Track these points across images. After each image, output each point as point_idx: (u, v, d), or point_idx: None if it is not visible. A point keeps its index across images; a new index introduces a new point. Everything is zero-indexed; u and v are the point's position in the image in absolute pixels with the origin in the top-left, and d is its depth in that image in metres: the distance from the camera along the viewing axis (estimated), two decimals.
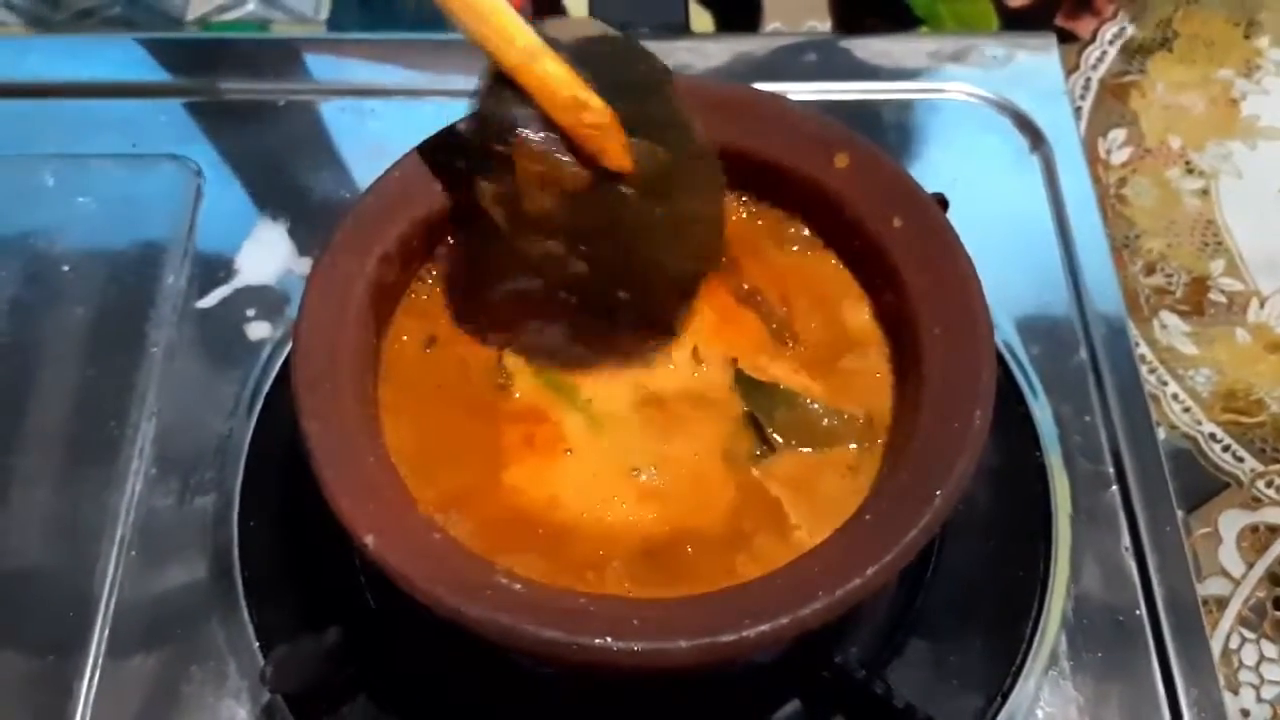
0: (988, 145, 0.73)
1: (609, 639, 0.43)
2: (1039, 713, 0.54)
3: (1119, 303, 0.65)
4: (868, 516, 0.48)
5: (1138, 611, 0.57)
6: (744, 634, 0.44)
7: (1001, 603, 0.57)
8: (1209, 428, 0.83)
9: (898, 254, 0.53)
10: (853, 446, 0.52)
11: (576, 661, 0.44)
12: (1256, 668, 0.74)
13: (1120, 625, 0.56)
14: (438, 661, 0.55)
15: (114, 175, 0.71)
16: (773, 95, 0.58)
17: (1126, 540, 0.59)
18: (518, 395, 0.54)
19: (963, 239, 0.52)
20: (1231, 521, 0.79)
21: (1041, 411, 0.63)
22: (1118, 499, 0.60)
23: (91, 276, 0.68)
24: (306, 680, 0.52)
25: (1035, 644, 0.56)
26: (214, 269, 0.68)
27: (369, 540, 0.46)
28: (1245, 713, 0.72)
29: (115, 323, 0.66)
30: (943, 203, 0.59)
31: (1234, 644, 0.75)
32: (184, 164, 0.72)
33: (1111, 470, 0.61)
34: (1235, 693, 0.73)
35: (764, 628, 0.44)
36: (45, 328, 0.66)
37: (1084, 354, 0.65)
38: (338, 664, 0.52)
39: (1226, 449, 0.82)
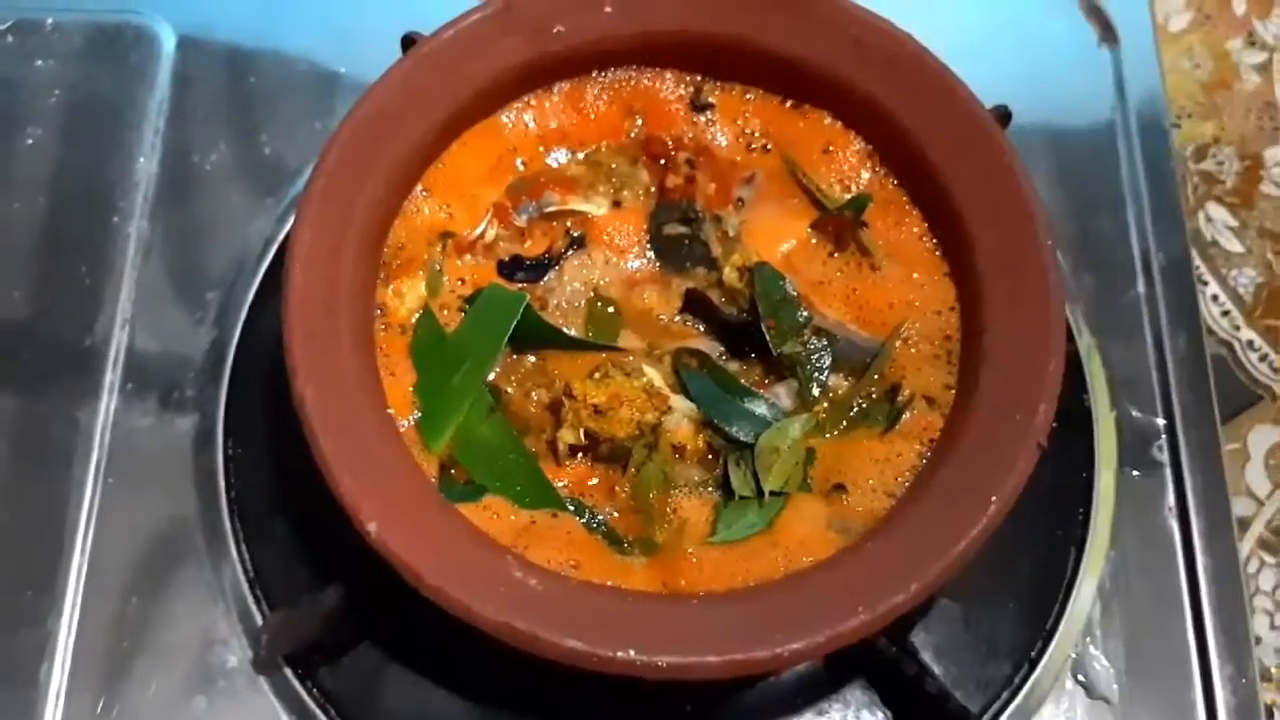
0: (1054, 35, 0.66)
1: (633, 652, 0.40)
2: (1066, 683, 0.52)
3: (1183, 232, 0.60)
4: (914, 513, 0.44)
5: (1178, 581, 0.54)
6: (777, 651, 0.40)
7: (1036, 565, 0.54)
8: (1248, 334, 0.79)
9: (965, 205, 0.48)
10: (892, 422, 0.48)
11: (598, 671, 0.41)
12: (1273, 593, 0.72)
13: (1158, 595, 0.54)
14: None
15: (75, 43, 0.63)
16: None
17: (1171, 500, 0.55)
18: None
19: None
20: (1261, 439, 0.76)
21: (1090, 349, 0.58)
22: (1165, 452, 0.56)
23: (52, 157, 0.61)
24: (306, 640, 0.49)
25: (1069, 610, 0.53)
26: (189, 150, 0.61)
27: (372, 529, 0.42)
28: (1258, 639, 0.71)
29: (79, 213, 0.60)
30: (1005, 117, 0.53)
31: (1252, 568, 0.73)
32: (150, 22, 0.64)
33: (1162, 421, 0.57)
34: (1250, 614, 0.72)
35: (797, 646, 0.41)
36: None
37: (1140, 288, 0.59)
38: (339, 623, 0.49)
39: (1264, 358, 0.79)
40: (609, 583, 0.43)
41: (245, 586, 0.53)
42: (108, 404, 0.56)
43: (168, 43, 0.63)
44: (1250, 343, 0.79)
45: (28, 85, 0.63)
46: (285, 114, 0.63)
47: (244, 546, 0.54)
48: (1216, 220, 0.83)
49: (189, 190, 0.61)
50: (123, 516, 0.54)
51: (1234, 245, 0.82)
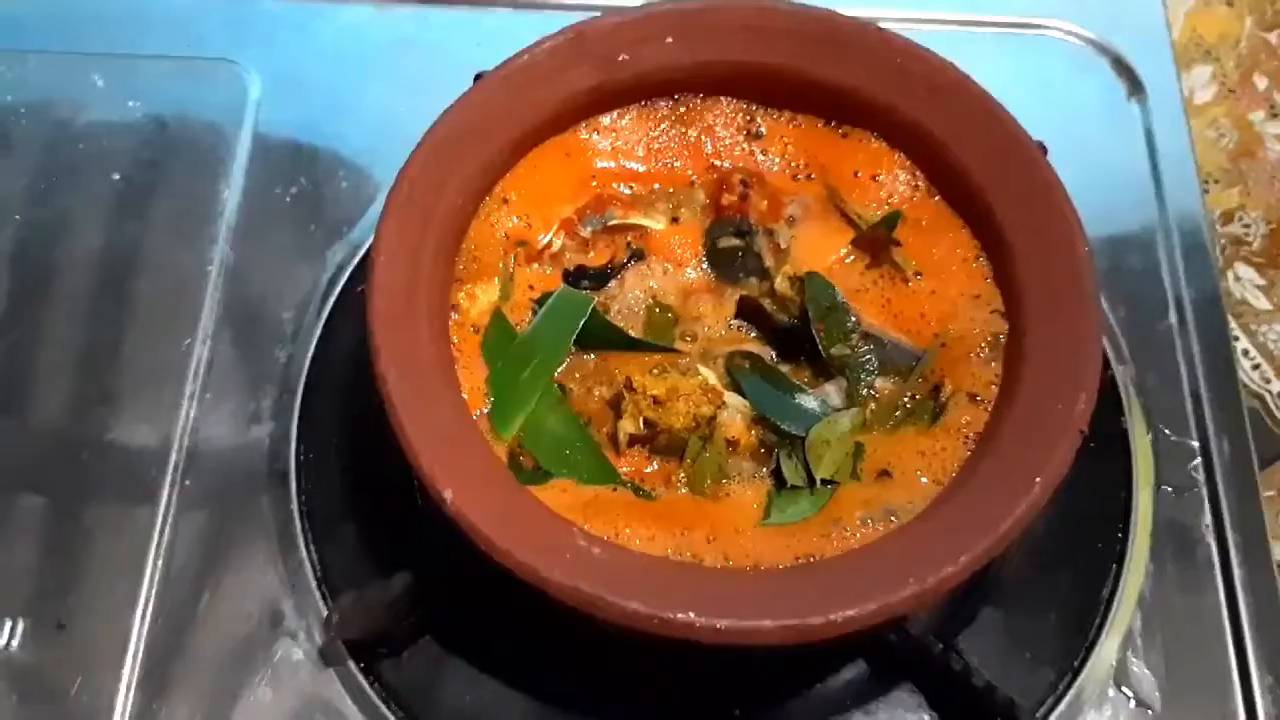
0: (1084, 88, 0.70)
1: (692, 614, 0.42)
2: (1110, 692, 0.53)
3: (1213, 270, 0.63)
4: (960, 497, 0.46)
5: (1216, 594, 0.55)
6: (831, 617, 0.42)
7: (1077, 578, 0.56)
8: (1278, 387, 0.81)
9: (1004, 214, 0.51)
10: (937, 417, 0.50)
11: (658, 634, 0.43)
12: None
13: (1197, 607, 0.55)
14: (506, 604, 0.53)
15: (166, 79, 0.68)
16: (876, 28, 0.54)
17: (1208, 518, 0.57)
18: None
19: None
20: None
21: (1126, 377, 0.60)
22: (1201, 473, 0.58)
23: (141, 188, 0.65)
24: (372, 627, 0.51)
25: (1110, 621, 0.54)
26: (271, 184, 0.65)
27: (447, 495, 0.44)
28: None
29: (166, 239, 0.64)
30: (1042, 150, 0.56)
31: None
32: (238, 68, 0.69)
33: (1196, 444, 0.59)
34: None
35: (851, 612, 0.42)
36: (92, 240, 0.64)
37: (1173, 319, 0.62)
38: (404, 611, 0.51)
39: None
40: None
41: (313, 584, 0.55)
42: (188, 412, 0.59)
43: (254, 88, 0.68)
44: None
45: (120, 124, 0.67)
46: (361, 153, 0.67)
47: (312, 547, 0.56)
48: (1245, 279, 0.85)
49: (270, 220, 0.65)
50: (198, 516, 0.56)
51: (1263, 303, 0.85)
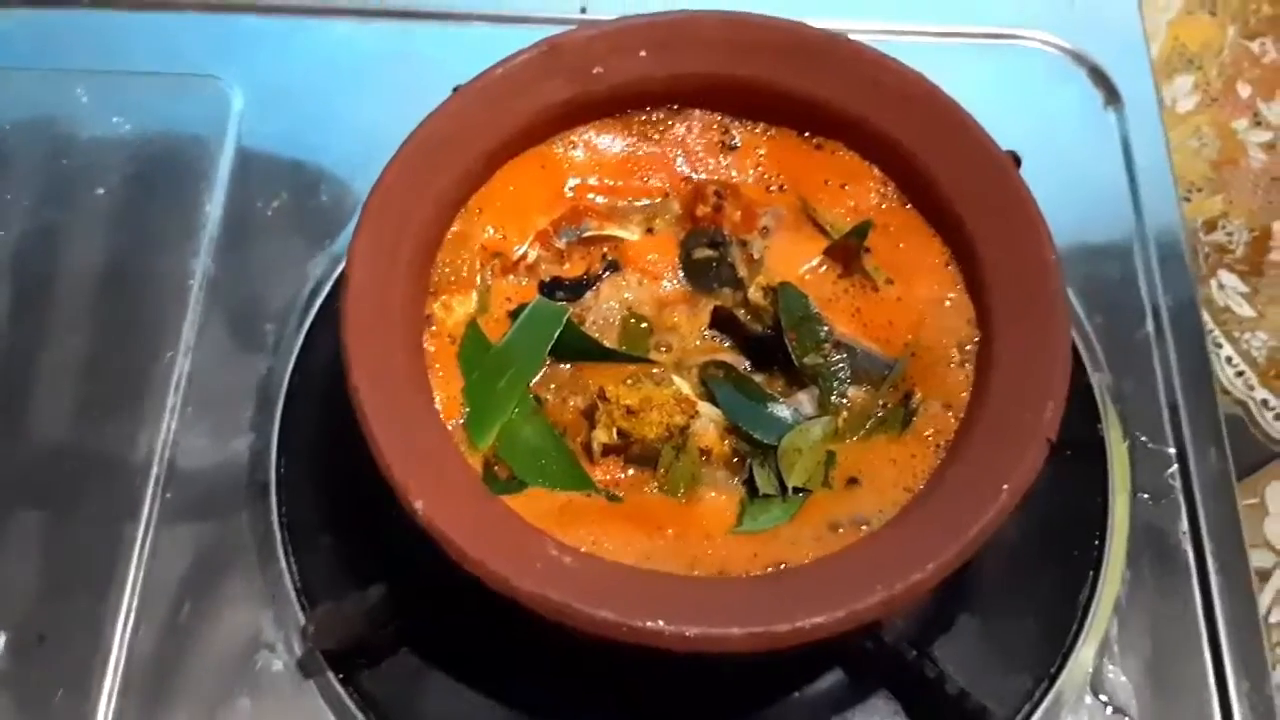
0: (1060, 98, 0.70)
1: (661, 622, 0.42)
2: (1086, 699, 0.53)
3: (1190, 279, 0.63)
4: (930, 504, 0.46)
5: (1192, 600, 0.55)
6: (798, 624, 0.42)
7: (1054, 584, 0.56)
8: (1262, 394, 0.82)
9: (974, 223, 0.51)
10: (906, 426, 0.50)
11: (627, 641, 0.43)
12: None
13: (1173, 613, 0.55)
14: (483, 615, 0.54)
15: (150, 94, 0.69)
16: (848, 40, 0.55)
17: (1184, 525, 0.57)
18: None
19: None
20: (1278, 493, 0.78)
21: (1103, 384, 0.61)
22: (1177, 480, 0.58)
23: (125, 201, 0.66)
24: (349, 637, 0.51)
25: (1086, 627, 0.55)
26: (253, 198, 0.66)
27: (419, 506, 0.44)
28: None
29: (149, 252, 0.64)
30: (1015, 160, 0.56)
31: (1275, 618, 0.74)
32: (221, 83, 0.69)
33: (1173, 450, 0.59)
34: (1272, 668, 0.72)
35: (819, 619, 0.43)
36: (76, 254, 0.64)
37: (1150, 327, 0.62)
38: (382, 622, 0.51)
39: (1279, 417, 0.80)
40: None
41: (292, 595, 0.55)
42: (168, 425, 0.59)
43: (236, 102, 0.69)
44: (1265, 402, 0.81)
45: (105, 139, 0.68)
46: (342, 166, 0.67)
47: (292, 559, 0.56)
48: (1228, 287, 0.86)
49: (251, 233, 0.65)
50: (178, 529, 0.57)
51: (1246, 310, 0.85)
